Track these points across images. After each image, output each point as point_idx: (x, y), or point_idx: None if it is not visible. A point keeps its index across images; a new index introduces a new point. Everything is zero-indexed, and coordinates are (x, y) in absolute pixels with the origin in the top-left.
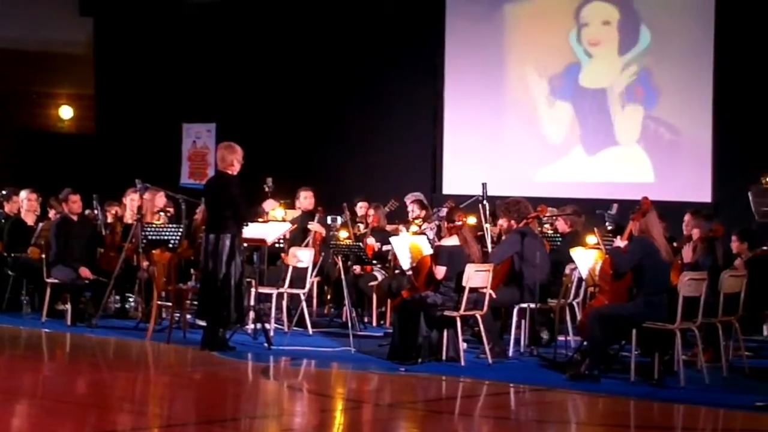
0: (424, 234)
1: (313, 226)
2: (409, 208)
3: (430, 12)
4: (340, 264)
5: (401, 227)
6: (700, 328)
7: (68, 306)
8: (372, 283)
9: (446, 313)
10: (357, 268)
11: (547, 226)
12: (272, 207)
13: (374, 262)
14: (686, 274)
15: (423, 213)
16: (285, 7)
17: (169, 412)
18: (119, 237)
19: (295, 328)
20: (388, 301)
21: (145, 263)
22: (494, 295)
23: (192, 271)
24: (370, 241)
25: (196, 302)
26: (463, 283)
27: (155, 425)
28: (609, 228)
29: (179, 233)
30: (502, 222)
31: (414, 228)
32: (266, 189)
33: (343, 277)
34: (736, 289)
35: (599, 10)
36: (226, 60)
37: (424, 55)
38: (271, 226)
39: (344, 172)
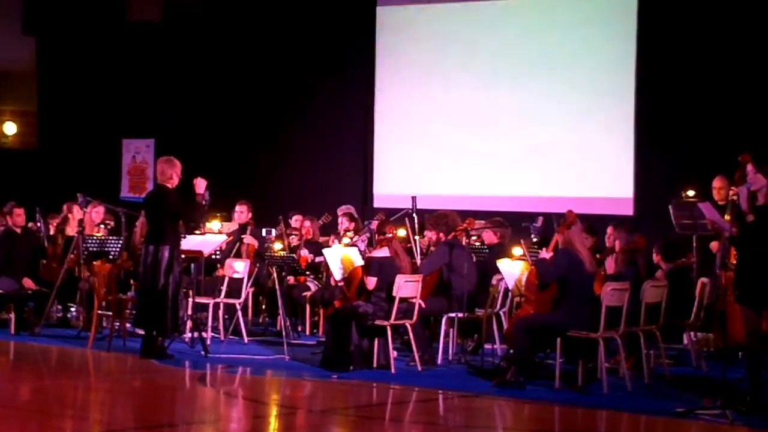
0: (356, 246)
1: (246, 238)
2: (339, 221)
3: (361, 27)
4: (275, 275)
5: (333, 239)
6: (623, 336)
7: (12, 315)
8: (305, 293)
9: (377, 322)
10: (291, 279)
11: (474, 238)
12: (203, 187)
13: (307, 273)
14: (609, 284)
15: (352, 225)
16: (220, 28)
17: (110, 417)
18: (61, 249)
19: (231, 337)
20: (321, 310)
21: (86, 274)
22: (423, 305)
23: (131, 281)
24: (304, 252)
25: (134, 311)
26: (394, 293)
27: (96, 430)
28: (534, 240)
29: (119, 245)
30: (431, 234)
31: (346, 240)
32: (203, 202)
33: (277, 287)
34: (657, 299)
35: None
36: (165, 77)
37: (354, 71)
38: (207, 238)
39: (279, 186)
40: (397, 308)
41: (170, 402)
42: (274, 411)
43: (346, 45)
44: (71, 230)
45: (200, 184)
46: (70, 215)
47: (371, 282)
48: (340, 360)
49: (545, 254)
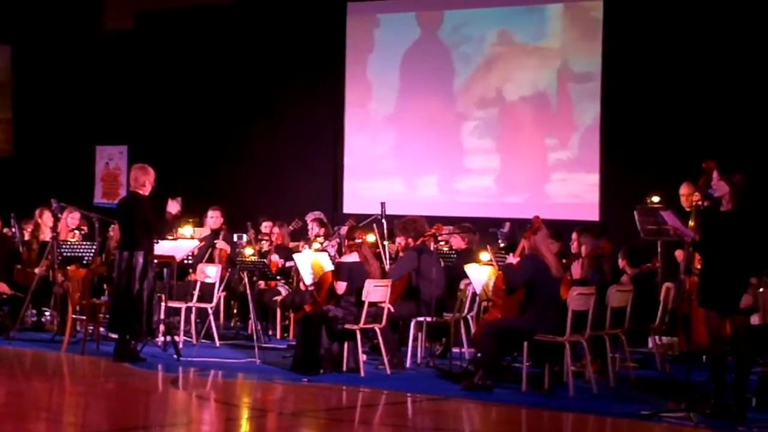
0: (326, 251)
1: (219, 243)
2: (309, 226)
3: (331, 35)
4: (246, 279)
5: (304, 245)
6: (589, 340)
7: None
8: (276, 298)
9: (347, 326)
10: (262, 284)
11: (442, 243)
12: (176, 208)
13: (278, 277)
14: (575, 289)
15: (322, 231)
16: (192, 36)
17: (84, 420)
18: (36, 254)
19: (203, 341)
20: (292, 314)
21: (60, 279)
22: (392, 309)
23: (105, 286)
24: (274, 257)
25: (108, 316)
26: (363, 298)
27: None
28: (501, 245)
29: (93, 250)
30: (400, 240)
31: (316, 245)
32: (174, 213)
33: (248, 291)
34: (622, 304)
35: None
36: (138, 85)
37: (325, 77)
38: (179, 243)
39: (250, 192)
40: (366, 312)
41: (143, 405)
42: (245, 414)
43: (316, 51)
44: (45, 236)
45: (173, 206)
46: (40, 220)
47: (341, 287)
48: (310, 363)
49: (512, 259)
